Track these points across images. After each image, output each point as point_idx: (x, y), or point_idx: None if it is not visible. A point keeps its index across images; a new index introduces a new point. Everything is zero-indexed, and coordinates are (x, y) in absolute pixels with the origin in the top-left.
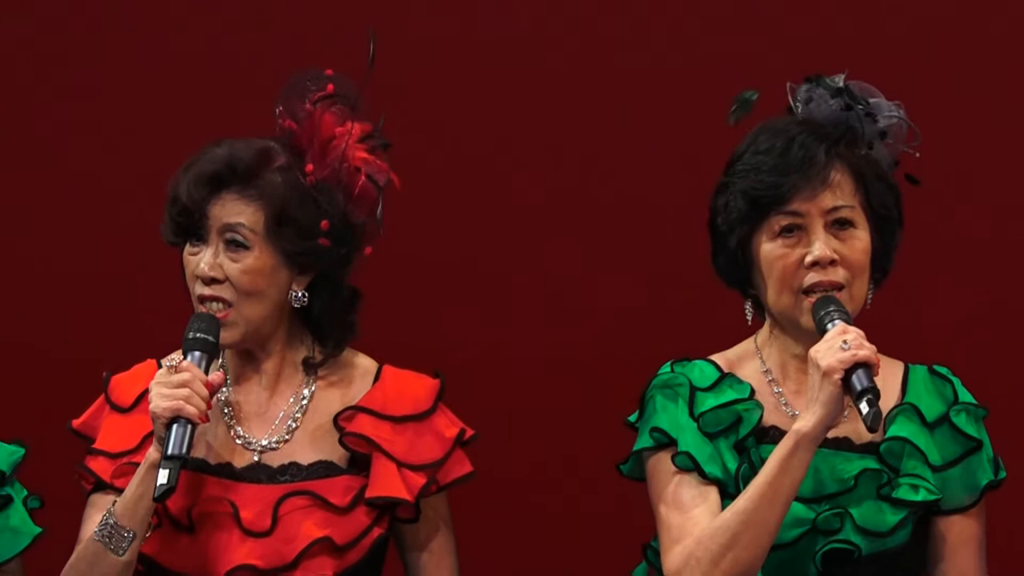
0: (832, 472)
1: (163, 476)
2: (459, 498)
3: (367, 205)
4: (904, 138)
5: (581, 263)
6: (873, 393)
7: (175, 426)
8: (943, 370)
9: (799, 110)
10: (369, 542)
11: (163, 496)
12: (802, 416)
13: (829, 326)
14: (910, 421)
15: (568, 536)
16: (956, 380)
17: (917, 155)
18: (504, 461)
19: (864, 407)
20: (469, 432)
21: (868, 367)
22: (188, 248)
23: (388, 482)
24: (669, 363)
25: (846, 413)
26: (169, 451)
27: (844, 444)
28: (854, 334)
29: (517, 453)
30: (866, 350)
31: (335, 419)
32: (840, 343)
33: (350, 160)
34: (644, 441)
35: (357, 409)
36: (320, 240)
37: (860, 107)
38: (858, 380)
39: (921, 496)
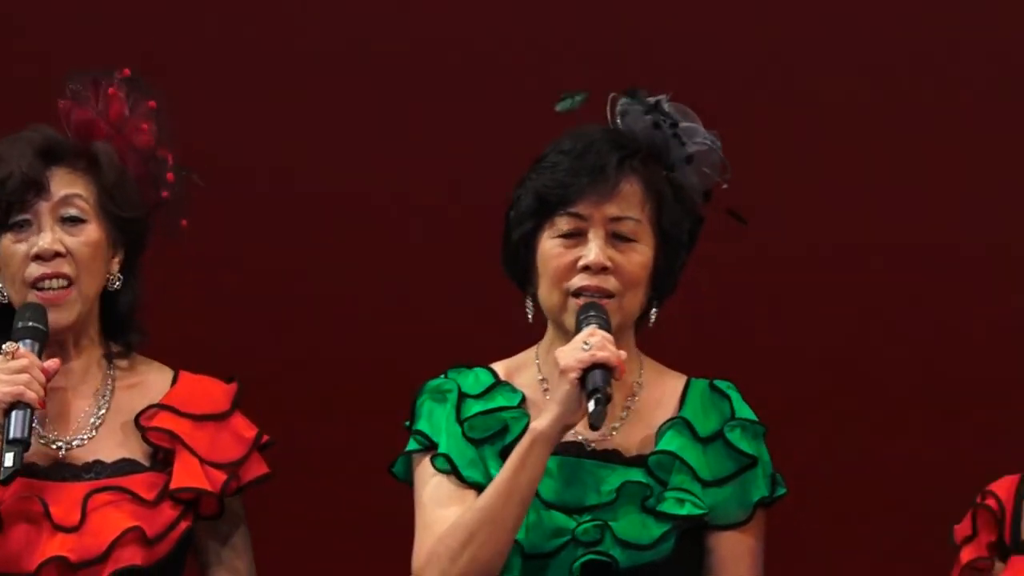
0: (596, 483)
1: (8, 459)
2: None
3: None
4: (716, 167)
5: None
6: (602, 394)
7: (15, 411)
8: (723, 385)
9: (616, 121)
10: (177, 535)
11: (10, 479)
12: (541, 414)
13: (583, 327)
14: (680, 435)
15: (368, 536)
16: (736, 395)
17: (725, 186)
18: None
19: (591, 405)
20: (265, 437)
21: (606, 369)
22: (10, 237)
23: (192, 475)
24: (446, 370)
25: (617, 425)
26: (11, 435)
27: (613, 456)
28: (599, 337)
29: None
30: (607, 353)
31: (137, 418)
32: (583, 344)
33: (142, 144)
34: (411, 444)
35: (159, 407)
36: (144, 215)
37: (670, 127)
38: (591, 380)
39: (686, 510)
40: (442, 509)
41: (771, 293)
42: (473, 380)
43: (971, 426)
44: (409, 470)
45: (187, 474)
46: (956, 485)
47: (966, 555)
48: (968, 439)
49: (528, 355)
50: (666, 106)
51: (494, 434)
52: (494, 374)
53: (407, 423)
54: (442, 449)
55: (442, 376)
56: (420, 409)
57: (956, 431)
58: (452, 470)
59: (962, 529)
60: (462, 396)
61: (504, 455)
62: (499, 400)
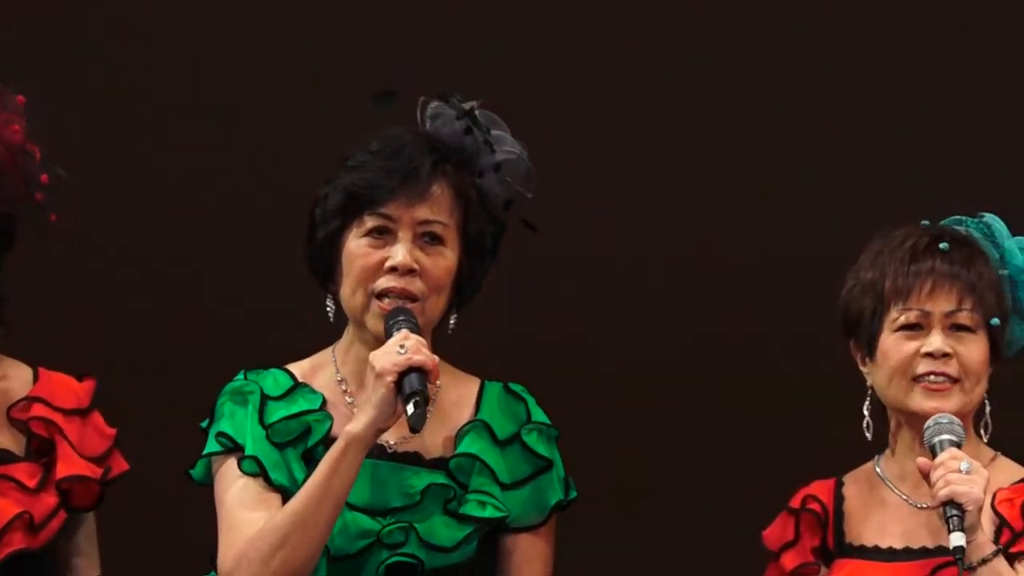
0: (400, 486)
1: (411, 407)
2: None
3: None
4: (521, 177)
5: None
6: (421, 396)
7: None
8: (518, 388)
9: (426, 124)
10: (58, 523)
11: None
12: (355, 418)
13: (395, 331)
14: (480, 438)
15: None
16: (530, 399)
17: (530, 196)
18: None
19: (409, 408)
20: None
21: (422, 372)
22: None
23: (75, 463)
24: (243, 371)
25: (418, 430)
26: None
27: (414, 459)
28: (414, 341)
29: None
30: (422, 356)
31: (8, 410)
32: (398, 348)
33: (10, 139)
34: (211, 446)
35: (30, 399)
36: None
37: (480, 134)
38: (408, 383)
39: (488, 513)
40: (249, 512)
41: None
42: (272, 382)
43: (761, 430)
44: (209, 472)
45: (70, 462)
46: (746, 490)
47: (790, 561)
48: (759, 442)
49: (325, 356)
50: (478, 113)
51: (297, 437)
52: (291, 375)
53: (204, 424)
54: (249, 451)
55: (240, 377)
56: (220, 410)
57: (748, 436)
58: (260, 473)
59: (778, 535)
60: (264, 398)
61: (307, 458)
62: (301, 403)
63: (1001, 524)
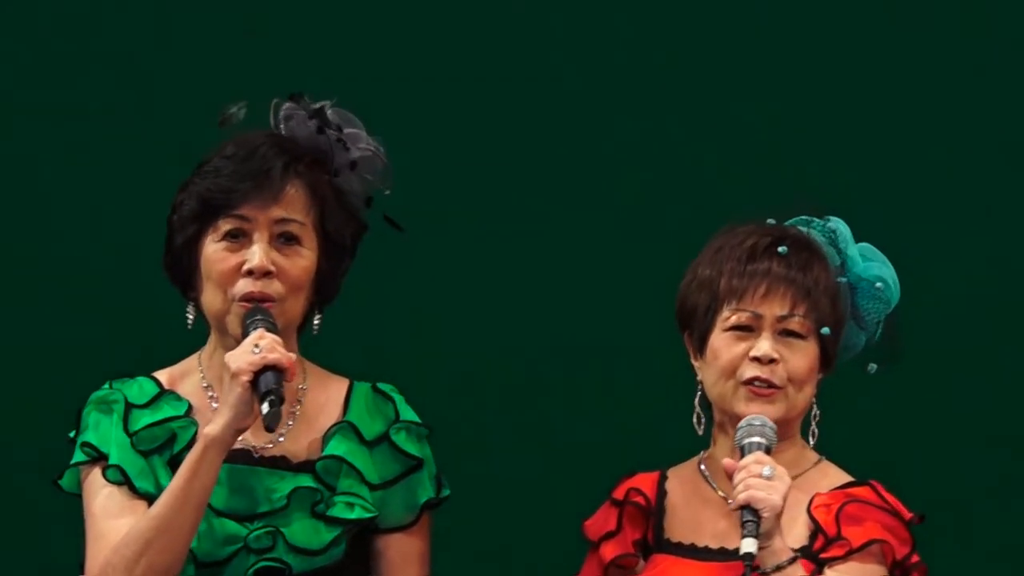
0: (266, 491)
1: (265, 407)
2: None
3: None
4: (378, 174)
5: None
6: (276, 395)
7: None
8: (386, 387)
9: (279, 126)
10: None
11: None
12: (213, 419)
13: (251, 331)
14: (347, 439)
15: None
16: (399, 398)
17: (387, 193)
18: None
19: (264, 408)
20: None
21: (278, 371)
22: None
23: None
24: (108, 380)
25: (284, 431)
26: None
27: (281, 463)
28: (269, 340)
29: None
30: (277, 354)
31: None
32: (252, 347)
33: None
34: (77, 456)
35: None
36: None
37: (333, 133)
38: (264, 382)
39: (356, 514)
40: (114, 520)
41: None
42: (137, 390)
43: (614, 424)
44: (77, 482)
45: None
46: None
47: (609, 551)
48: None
49: (191, 362)
50: (330, 112)
51: (162, 444)
52: (158, 383)
53: (71, 434)
54: (113, 460)
55: (106, 386)
56: (86, 420)
57: (602, 429)
58: (124, 481)
59: (600, 525)
60: (129, 406)
61: (173, 465)
62: (166, 410)
63: (816, 530)
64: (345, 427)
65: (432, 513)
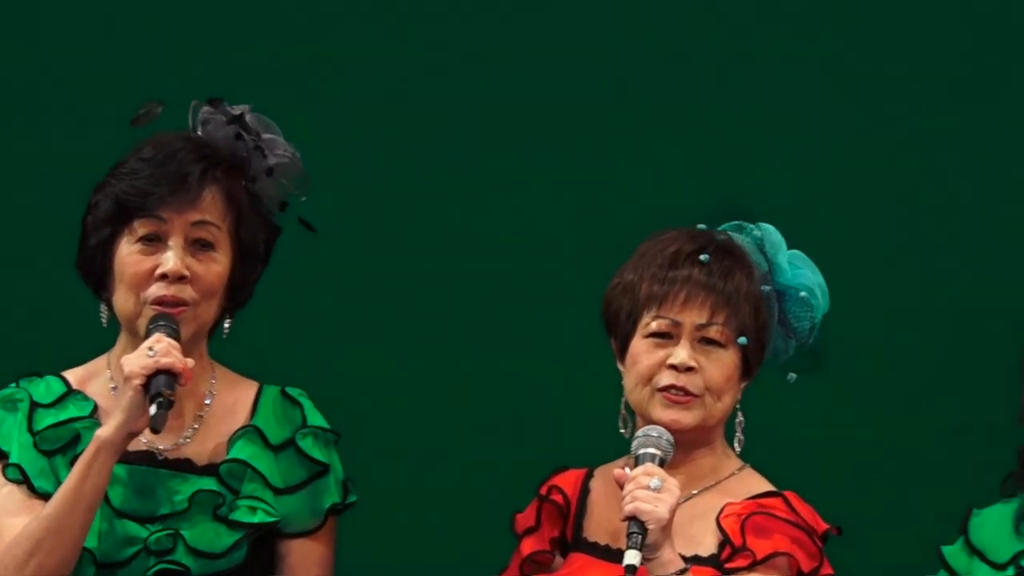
0: (169, 493)
1: (152, 409)
2: None
3: None
4: (295, 180)
5: None
6: (165, 398)
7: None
8: (295, 392)
9: (197, 129)
10: None
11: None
12: (106, 422)
13: (151, 335)
14: (252, 443)
15: None
16: (307, 403)
17: (303, 199)
18: None
19: (152, 409)
20: None
21: (171, 375)
22: None
23: None
24: (17, 379)
25: (189, 434)
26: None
27: (186, 465)
28: (164, 344)
29: None
30: (171, 359)
31: None
32: (147, 351)
33: None
34: None
35: None
36: None
37: (252, 139)
38: (154, 385)
39: (259, 518)
40: (12, 518)
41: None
42: (44, 389)
43: (538, 425)
44: None
45: None
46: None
47: (527, 547)
48: (540, 437)
49: (100, 363)
50: (248, 117)
51: (65, 444)
52: (66, 383)
53: None
54: (13, 459)
55: (13, 385)
56: None
57: (520, 431)
58: (23, 480)
59: (525, 520)
60: (34, 405)
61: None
62: (71, 410)
63: (723, 539)
64: (251, 431)
65: (338, 519)
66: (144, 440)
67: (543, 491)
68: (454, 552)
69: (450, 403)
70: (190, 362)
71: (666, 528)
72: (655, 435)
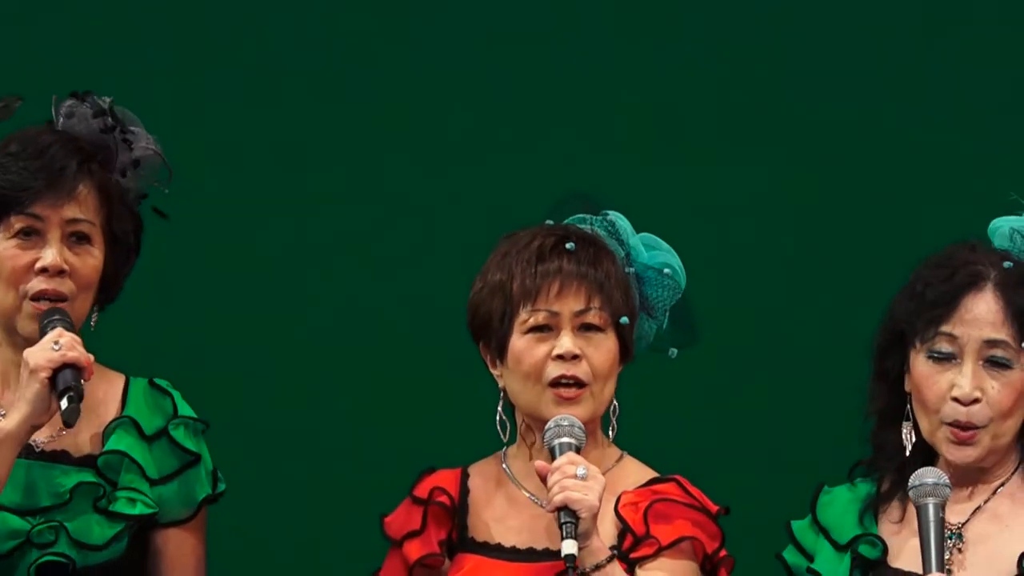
0: (49, 485)
1: (64, 403)
2: None
3: None
4: (159, 173)
5: None
6: (75, 391)
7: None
8: (163, 383)
9: (59, 122)
10: None
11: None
12: (8, 415)
13: (49, 330)
14: (127, 434)
15: None
16: (176, 393)
17: (167, 191)
18: None
19: (63, 403)
20: None
21: (76, 369)
22: None
23: None
24: None
25: (62, 430)
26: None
27: (63, 457)
28: (68, 338)
29: None
30: (76, 353)
31: None
32: (52, 344)
33: None
34: None
35: None
36: None
37: (119, 132)
38: (62, 379)
39: (138, 510)
40: None
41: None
42: None
43: (401, 420)
44: None
45: None
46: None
47: (414, 551)
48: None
49: None
50: (116, 110)
51: None
52: None
53: None
54: None
55: None
56: None
57: (386, 424)
58: None
59: (402, 523)
60: None
61: None
62: None
63: (624, 529)
64: (126, 422)
65: (208, 509)
66: None
67: (422, 493)
68: (319, 545)
69: (313, 396)
70: (92, 357)
71: (595, 516)
72: (567, 424)
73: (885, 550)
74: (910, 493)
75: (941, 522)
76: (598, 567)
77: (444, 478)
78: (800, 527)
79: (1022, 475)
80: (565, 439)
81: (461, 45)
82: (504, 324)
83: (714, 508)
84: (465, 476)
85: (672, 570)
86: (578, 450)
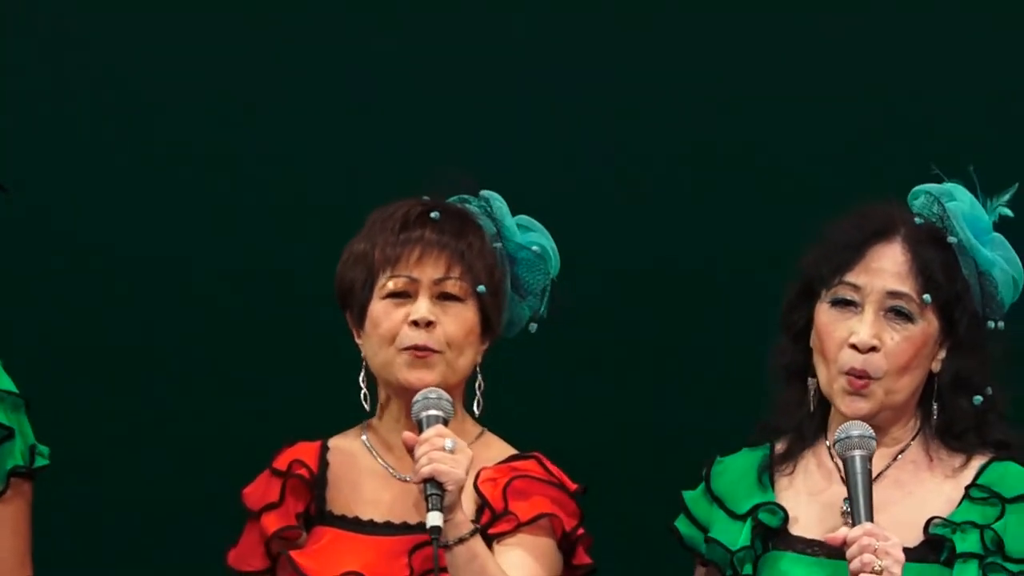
0: None
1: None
2: None
3: None
4: None
5: None
6: None
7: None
8: None
9: None
10: None
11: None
12: None
13: None
14: None
15: None
16: None
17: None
18: None
19: None
20: None
21: None
22: None
23: None
24: None
25: None
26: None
27: None
28: None
29: None
30: None
31: None
32: None
33: None
34: None
35: None
36: None
37: None
38: None
39: None
40: None
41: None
42: None
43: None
44: None
45: None
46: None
47: (272, 523)
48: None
49: None
50: None
51: None
52: None
53: None
54: None
55: None
56: None
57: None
58: None
59: (261, 495)
60: None
61: None
62: None
63: (483, 504)
64: None
65: (33, 484)
66: None
67: (282, 465)
68: (177, 520)
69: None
70: None
71: (461, 489)
72: (434, 396)
73: (786, 517)
74: (836, 447)
75: (869, 473)
76: (461, 540)
77: (304, 450)
78: (692, 497)
79: (922, 442)
80: (433, 411)
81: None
82: (364, 292)
83: (573, 486)
84: (325, 449)
85: (530, 546)
86: (446, 423)
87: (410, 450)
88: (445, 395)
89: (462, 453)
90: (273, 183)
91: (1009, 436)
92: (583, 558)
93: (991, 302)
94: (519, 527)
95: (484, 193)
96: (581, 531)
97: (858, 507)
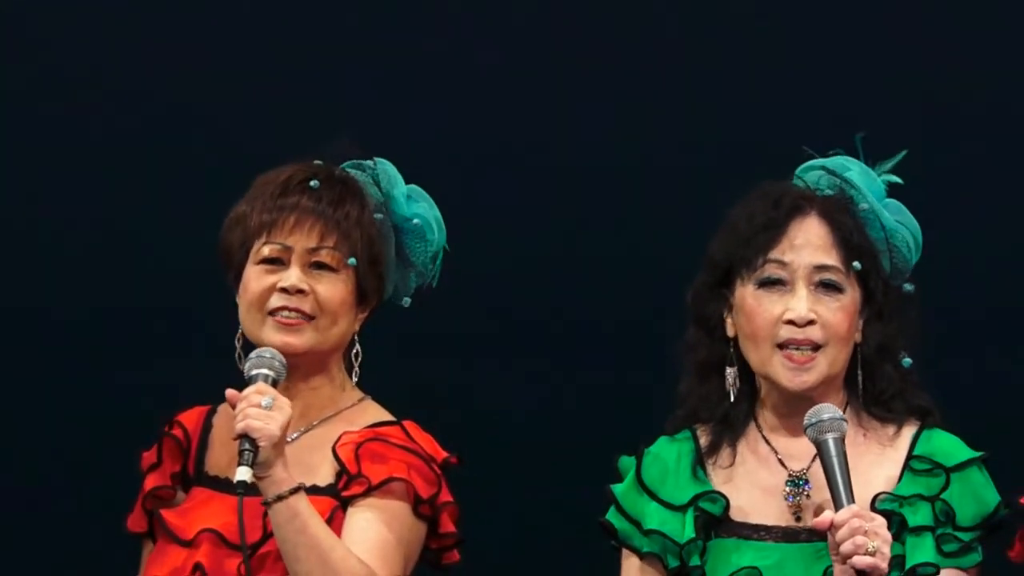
0: None
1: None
2: None
3: None
4: None
5: None
6: None
7: None
8: None
9: None
10: None
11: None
12: None
13: None
14: None
15: None
16: None
17: None
18: None
19: None
20: None
21: None
22: None
23: None
24: None
25: None
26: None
27: None
28: None
29: None
30: None
31: None
32: None
33: None
34: None
35: None
36: None
37: None
38: None
39: None
40: None
41: None
42: None
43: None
44: None
45: None
46: None
47: (150, 482)
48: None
49: None
50: None
51: None
52: None
53: None
54: None
55: None
56: None
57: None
58: None
59: (149, 456)
60: None
61: None
62: None
63: (340, 468)
64: None
65: None
66: None
67: (166, 427)
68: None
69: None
70: None
71: (278, 446)
72: (268, 356)
73: (727, 505)
74: (808, 432)
75: (844, 455)
76: (280, 498)
77: (190, 415)
78: (622, 491)
79: (852, 415)
80: (263, 370)
81: None
82: (241, 254)
83: (441, 455)
84: (211, 413)
85: (381, 509)
86: (275, 382)
87: (233, 407)
88: (279, 356)
89: (279, 411)
90: None
91: (928, 401)
92: (448, 526)
93: (901, 265)
94: (370, 490)
95: (377, 162)
96: (445, 498)
97: (839, 490)
